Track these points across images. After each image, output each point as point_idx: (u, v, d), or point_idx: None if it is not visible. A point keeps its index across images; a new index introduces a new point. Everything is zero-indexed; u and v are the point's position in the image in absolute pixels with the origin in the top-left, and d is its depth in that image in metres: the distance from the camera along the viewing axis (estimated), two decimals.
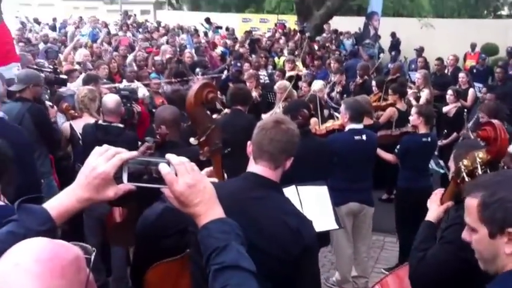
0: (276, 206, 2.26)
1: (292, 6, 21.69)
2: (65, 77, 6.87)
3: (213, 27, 19.22)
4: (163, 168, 1.42)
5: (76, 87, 6.93)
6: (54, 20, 20.07)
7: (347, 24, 19.35)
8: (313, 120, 5.85)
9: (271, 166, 2.27)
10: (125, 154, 1.43)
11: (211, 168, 2.48)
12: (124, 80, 8.12)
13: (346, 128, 5.09)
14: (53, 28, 17.89)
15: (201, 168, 2.43)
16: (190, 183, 1.44)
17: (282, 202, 2.32)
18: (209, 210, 1.48)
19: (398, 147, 5.73)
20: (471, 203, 1.69)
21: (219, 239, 1.44)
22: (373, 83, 8.48)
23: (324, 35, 16.26)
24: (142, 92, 7.62)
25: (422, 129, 5.61)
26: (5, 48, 6.12)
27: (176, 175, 1.43)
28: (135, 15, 21.39)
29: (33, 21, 18.55)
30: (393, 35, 18.70)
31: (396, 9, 25.39)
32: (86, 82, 6.46)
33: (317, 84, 7.84)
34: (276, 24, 19.33)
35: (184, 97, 5.56)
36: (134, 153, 1.46)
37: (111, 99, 5.00)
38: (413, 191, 5.47)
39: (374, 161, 5.27)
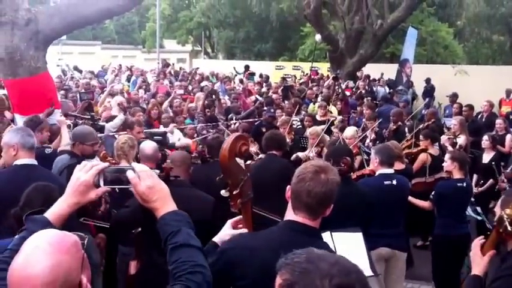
0: None
1: (325, 54, 21.97)
2: (102, 124, 7.09)
3: (246, 74, 19.59)
4: (129, 174, 1.91)
5: (113, 126, 7.16)
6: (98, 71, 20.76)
7: (379, 71, 19.45)
8: None
9: (310, 217, 2.27)
10: (99, 165, 1.95)
11: (240, 217, 2.49)
12: (161, 126, 8.32)
13: (377, 173, 5.07)
14: (94, 76, 18.50)
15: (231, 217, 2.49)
16: (149, 185, 1.91)
17: (323, 249, 2.31)
18: (165, 205, 1.93)
19: (433, 193, 5.65)
20: None
21: (173, 225, 1.88)
22: (406, 129, 8.45)
23: (361, 82, 16.34)
24: (178, 136, 7.82)
25: (457, 175, 5.54)
26: (49, 95, 6.42)
27: (139, 179, 1.89)
28: (172, 64, 21.98)
29: (73, 69, 19.28)
30: (427, 81, 18.68)
31: (430, 56, 25.46)
32: (123, 127, 6.70)
33: (349, 131, 7.87)
34: (310, 71, 19.57)
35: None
36: (106, 164, 2.01)
37: (148, 146, 5.17)
38: (450, 238, 5.37)
39: (405, 206, 5.20)
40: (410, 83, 17.42)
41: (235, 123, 10.28)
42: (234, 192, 2.37)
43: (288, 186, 2.34)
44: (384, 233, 4.88)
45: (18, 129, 4.20)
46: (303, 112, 11.54)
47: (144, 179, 1.91)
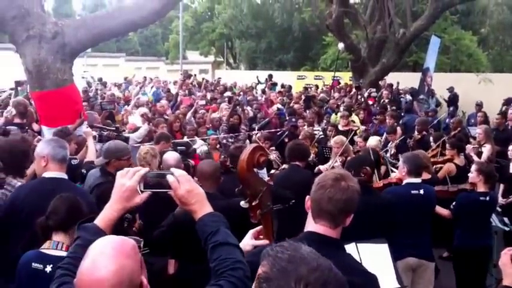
0: (340, 265, 2.21)
1: (347, 64, 21.90)
2: (127, 135, 7.18)
3: (268, 84, 19.65)
4: (169, 178, 2.02)
5: (138, 137, 7.24)
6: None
7: (402, 80, 19.33)
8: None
9: (331, 225, 2.26)
10: (141, 171, 2.06)
11: (260, 227, 2.49)
12: (185, 137, 8.38)
13: (404, 182, 5.02)
14: (118, 87, 18.75)
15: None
16: (188, 189, 2.02)
17: (345, 260, 2.27)
18: (202, 207, 2.05)
19: (454, 204, 5.56)
20: None
21: (211, 226, 2.00)
22: (431, 138, 8.36)
23: (384, 91, 16.26)
24: (201, 147, 7.88)
25: (481, 188, 5.42)
26: (75, 107, 6.53)
27: (179, 183, 2.01)
28: (195, 75, 22.18)
29: (98, 81, 19.59)
30: (451, 89, 18.49)
31: (453, 64, 25.21)
32: (157, 140, 6.73)
33: (373, 140, 7.83)
34: (332, 80, 19.55)
35: None
36: (147, 169, 2.12)
37: (172, 156, 5.21)
38: (469, 250, 5.29)
39: (431, 216, 5.14)
40: (431, 92, 17.25)
41: (257, 133, 10.32)
42: (253, 203, 2.37)
43: (308, 196, 2.34)
44: (411, 242, 4.84)
45: (50, 141, 4.12)
46: (324, 121, 11.53)
47: (183, 183, 2.03)
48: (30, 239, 3.51)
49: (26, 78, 8.21)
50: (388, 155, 8.47)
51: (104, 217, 2.05)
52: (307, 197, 2.35)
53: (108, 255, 1.66)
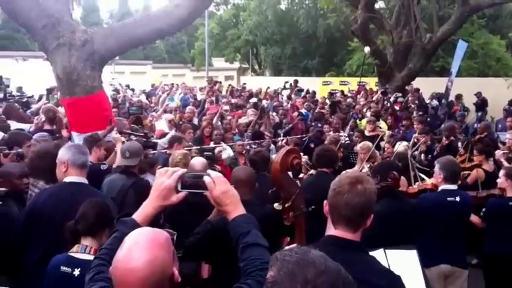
0: (362, 268, 2.18)
1: (373, 69, 21.77)
2: (156, 141, 7.27)
3: (295, 90, 19.66)
4: (206, 179, 2.09)
5: (165, 142, 7.34)
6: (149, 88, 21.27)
7: (429, 85, 19.13)
8: (401, 179, 5.76)
9: (351, 230, 2.27)
10: (179, 171, 2.14)
11: (294, 245, 2.49)
12: (212, 143, 8.45)
13: (440, 188, 4.95)
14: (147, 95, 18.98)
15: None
16: (223, 190, 2.09)
17: (368, 263, 2.29)
18: (236, 208, 2.10)
19: (484, 210, 5.49)
20: None
21: (243, 227, 2.05)
22: (459, 144, 8.25)
23: (410, 96, 16.13)
24: (228, 153, 7.93)
25: (510, 193, 5.36)
26: (104, 114, 6.64)
27: (214, 184, 2.08)
28: (220, 82, 22.31)
29: (125, 88, 19.86)
30: (479, 95, 18.22)
31: (481, 69, 24.85)
32: (170, 143, 6.86)
33: (400, 146, 7.77)
34: (358, 86, 19.47)
35: (266, 158, 5.72)
36: (185, 170, 2.19)
37: (199, 162, 5.25)
38: (501, 257, 5.20)
39: (466, 223, 5.06)
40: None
41: (282, 139, 10.33)
42: (286, 205, 2.41)
43: (325, 201, 2.36)
44: (445, 249, 4.77)
45: (70, 146, 4.16)
46: (348, 127, 11.49)
47: (219, 184, 2.10)
48: (50, 244, 3.58)
49: (56, 85, 8.43)
50: (420, 156, 8.39)
51: (142, 213, 2.13)
52: (325, 202, 2.36)
53: (142, 245, 1.75)
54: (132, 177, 5.16)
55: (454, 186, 4.89)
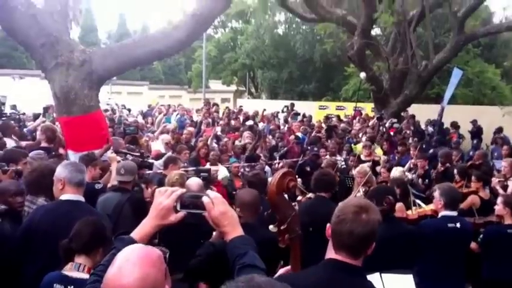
0: None
1: (369, 94, 21.91)
2: (151, 161, 7.24)
3: (291, 114, 19.76)
4: (205, 199, 2.09)
5: (161, 164, 7.33)
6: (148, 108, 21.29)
7: (424, 111, 19.24)
8: (399, 204, 5.75)
9: (352, 257, 2.27)
10: (178, 191, 2.13)
11: (289, 267, 2.51)
12: (208, 164, 8.43)
13: (440, 215, 4.94)
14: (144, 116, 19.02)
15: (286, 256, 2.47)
16: (222, 211, 2.09)
17: (364, 287, 2.30)
18: (234, 229, 2.11)
19: (481, 236, 5.49)
20: None
21: (241, 248, 2.05)
22: (455, 170, 8.26)
23: (405, 123, 16.23)
24: (224, 173, 7.91)
25: (508, 220, 5.39)
26: (101, 133, 6.63)
27: (213, 204, 2.07)
28: (217, 105, 22.40)
29: (122, 107, 19.93)
30: (474, 122, 18.34)
31: (477, 97, 25.05)
32: (166, 163, 6.86)
33: (397, 171, 7.77)
34: (354, 111, 19.58)
35: (264, 180, 5.71)
36: (184, 190, 2.17)
37: (194, 182, 5.25)
38: (499, 283, 5.20)
39: (467, 250, 5.05)
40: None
41: (278, 163, 10.34)
42: (282, 228, 2.40)
43: (328, 225, 2.35)
44: (445, 275, 4.75)
45: (67, 164, 4.18)
46: (345, 151, 11.52)
47: (218, 205, 2.10)
48: (47, 260, 3.55)
49: (53, 104, 8.42)
50: (415, 176, 8.39)
51: (140, 231, 2.14)
52: (328, 225, 2.36)
53: (133, 262, 1.73)
54: (126, 193, 5.25)
55: (454, 213, 4.88)
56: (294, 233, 2.43)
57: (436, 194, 4.99)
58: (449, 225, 4.78)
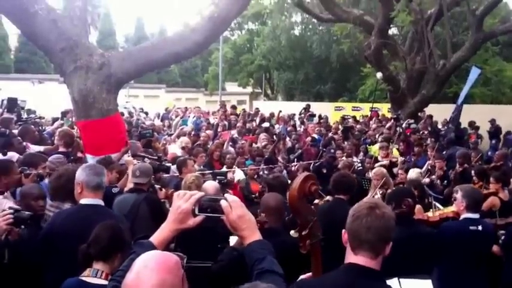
0: None
1: (386, 95, 21.79)
2: (169, 164, 7.29)
3: (307, 115, 19.71)
4: (223, 203, 2.09)
5: (176, 168, 7.39)
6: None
7: (442, 111, 19.07)
8: (418, 207, 5.71)
9: (372, 255, 2.26)
10: (197, 195, 2.13)
11: (309, 274, 2.51)
12: (224, 166, 8.46)
13: (462, 217, 4.88)
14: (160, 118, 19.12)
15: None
16: (240, 214, 2.08)
17: None
18: (252, 234, 2.10)
19: (503, 238, 5.41)
20: None
21: (259, 252, 2.05)
22: (473, 171, 8.18)
23: (422, 123, 16.10)
24: (239, 176, 7.95)
25: None
26: (119, 136, 6.68)
27: (231, 208, 2.06)
28: (233, 107, 22.40)
29: (140, 110, 20.07)
30: (492, 122, 18.11)
31: (495, 96, 24.75)
32: (178, 167, 6.91)
33: (414, 172, 7.72)
34: (370, 111, 19.47)
35: (284, 183, 5.71)
36: (202, 193, 2.17)
37: (211, 186, 5.29)
38: None
39: (489, 253, 4.98)
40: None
41: (296, 165, 10.33)
42: (303, 233, 2.38)
43: (343, 230, 2.35)
44: (466, 280, 4.68)
45: (85, 167, 4.16)
46: (362, 153, 11.47)
47: (236, 209, 2.09)
48: (67, 266, 3.55)
49: (71, 108, 8.51)
50: (437, 181, 8.32)
51: (159, 236, 2.14)
52: (343, 230, 2.35)
53: (151, 268, 1.75)
54: (142, 193, 5.32)
55: (476, 215, 4.82)
56: (315, 238, 2.42)
57: (458, 195, 4.92)
58: (471, 227, 4.72)
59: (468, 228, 4.72)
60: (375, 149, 11.19)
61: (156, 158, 7.01)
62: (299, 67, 35.64)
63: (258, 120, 17.05)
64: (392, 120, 15.20)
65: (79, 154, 7.29)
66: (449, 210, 5.71)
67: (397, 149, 11.54)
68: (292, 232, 2.44)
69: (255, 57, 37.66)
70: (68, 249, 3.53)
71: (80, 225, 3.70)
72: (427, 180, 8.45)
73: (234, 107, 20.14)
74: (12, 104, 11.12)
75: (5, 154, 6.01)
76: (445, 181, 8.55)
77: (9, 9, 6.50)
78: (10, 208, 3.73)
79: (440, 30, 22.09)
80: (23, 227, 3.65)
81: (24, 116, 11.76)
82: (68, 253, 3.56)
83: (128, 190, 5.55)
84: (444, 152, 11.35)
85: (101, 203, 4.05)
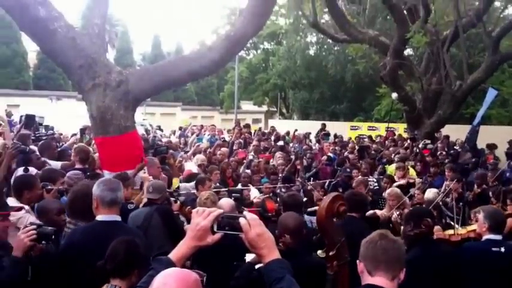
0: None
1: (402, 115, 21.70)
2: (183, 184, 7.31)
3: (321, 134, 19.69)
4: (242, 221, 2.08)
5: (192, 187, 7.40)
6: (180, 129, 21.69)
7: (459, 132, 18.92)
8: (437, 227, 5.64)
9: (389, 277, 2.26)
10: (215, 212, 2.13)
11: None
12: (239, 184, 8.46)
13: (484, 238, 4.80)
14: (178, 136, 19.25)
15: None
16: (259, 233, 2.07)
17: None
18: (271, 252, 2.09)
19: None
20: None
21: (278, 272, 2.03)
22: (491, 193, 8.08)
23: (439, 143, 15.99)
24: (255, 194, 7.93)
25: None
26: (136, 153, 6.73)
27: (250, 226, 2.05)
28: (247, 125, 22.47)
29: (156, 128, 20.22)
30: (510, 143, 17.90)
31: None
32: (196, 185, 6.92)
33: (431, 193, 7.65)
34: (386, 131, 19.40)
35: (299, 201, 5.69)
36: (221, 211, 2.16)
37: (227, 203, 5.29)
38: None
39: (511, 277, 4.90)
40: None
41: (311, 183, 10.29)
42: (331, 254, 2.39)
43: (358, 261, 2.35)
44: None
45: (100, 182, 4.10)
46: (376, 172, 11.40)
47: (254, 227, 2.08)
48: (85, 282, 3.53)
49: (89, 124, 8.59)
50: (452, 203, 8.21)
51: (178, 252, 2.13)
52: (358, 261, 2.36)
53: (170, 286, 1.77)
54: (154, 205, 5.45)
55: (498, 237, 4.73)
56: (342, 259, 2.42)
57: (480, 216, 4.85)
58: (494, 249, 4.63)
59: (490, 249, 4.64)
60: (391, 169, 11.11)
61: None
62: (314, 86, 35.74)
63: (273, 138, 17.08)
64: (409, 141, 15.13)
65: (98, 170, 7.34)
66: (471, 229, 5.61)
67: (414, 169, 11.45)
68: (319, 252, 2.43)
69: (270, 76, 37.88)
70: (85, 266, 3.52)
71: (96, 241, 3.67)
72: (439, 199, 8.38)
73: (247, 126, 20.19)
74: (30, 120, 11.28)
75: (27, 170, 6.07)
76: (461, 202, 8.43)
77: (29, 26, 6.61)
78: (32, 224, 3.71)
79: (456, 52, 22.04)
80: (44, 242, 3.59)
81: (43, 131, 11.89)
82: (85, 270, 3.55)
83: (142, 205, 5.64)
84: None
85: (117, 218, 4.00)
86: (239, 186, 8.35)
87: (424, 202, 7.56)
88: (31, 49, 33.90)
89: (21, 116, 11.14)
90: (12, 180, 5.45)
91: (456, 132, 18.85)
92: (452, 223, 6.77)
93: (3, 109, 20.33)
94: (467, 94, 18.21)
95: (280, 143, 15.28)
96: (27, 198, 4.78)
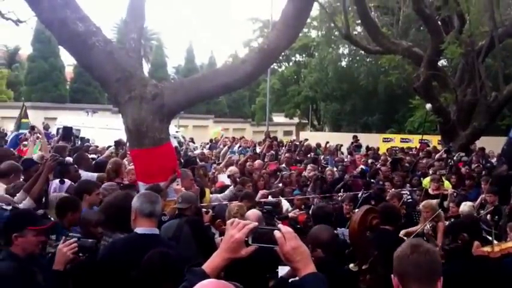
0: None
1: (436, 127, 21.40)
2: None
3: (353, 146, 19.56)
4: (277, 233, 2.05)
5: (223, 198, 7.46)
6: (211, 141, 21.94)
7: (494, 144, 18.53)
8: (476, 243, 5.53)
9: None
10: (251, 225, 2.11)
11: None
12: (269, 196, 8.48)
13: None
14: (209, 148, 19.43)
15: None
16: (294, 246, 2.04)
17: None
18: (306, 266, 2.06)
19: None
20: None
21: (313, 285, 2.01)
22: None
23: (474, 156, 15.69)
24: (286, 206, 7.94)
25: None
26: (170, 165, 6.83)
27: (285, 239, 2.03)
28: (274, 138, 22.46)
29: (188, 141, 20.44)
30: None
31: None
32: (241, 199, 6.93)
33: (466, 206, 7.53)
34: (419, 143, 19.14)
35: (329, 213, 5.68)
36: (256, 223, 2.15)
37: (253, 214, 5.31)
38: None
39: None
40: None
41: (341, 195, 10.23)
42: (363, 267, 2.34)
43: (392, 276, 2.30)
44: None
45: (140, 195, 4.18)
46: (408, 185, 11.26)
47: (290, 240, 2.06)
48: None
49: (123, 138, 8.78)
50: (486, 216, 8.06)
51: (211, 264, 2.12)
52: (392, 276, 2.31)
53: None
54: (184, 217, 5.51)
55: None
56: (375, 273, 2.37)
57: None
58: None
59: None
60: (426, 182, 10.96)
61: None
62: (346, 98, 35.56)
63: (303, 150, 17.06)
64: (443, 153, 14.91)
65: (127, 181, 7.48)
66: (511, 245, 5.49)
67: (449, 182, 11.27)
68: (351, 265, 2.39)
69: (302, 88, 37.87)
70: (122, 279, 3.56)
71: (136, 254, 3.63)
72: (478, 212, 8.23)
73: (275, 139, 20.19)
74: (68, 132, 11.57)
75: (62, 182, 6.22)
76: (496, 216, 8.25)
77: (68, 41, 6.80)
78: (72, 236, 3.77)
79: (491, 62, 21.66)
80: (81, 254, 3.65)
81: (79, 143, 12.19)
82: (121, 282, 3.60)
83: (174, 216, 5.71)
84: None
85: (156, 231, 4.03)
86: (270, 198, 8.36)
87: (458, 215, 7.43)
88: (68, 63, 34.84)
89: (58, 129, 11.43)
90: (55, 197, 5.56)
91: (492, 145, 18.45)
92: (488, 237, 6.65)
93: (41, 122, 20.90)
94: (503, 105, 17.85)
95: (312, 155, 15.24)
96: (69, 219, 4.81)
